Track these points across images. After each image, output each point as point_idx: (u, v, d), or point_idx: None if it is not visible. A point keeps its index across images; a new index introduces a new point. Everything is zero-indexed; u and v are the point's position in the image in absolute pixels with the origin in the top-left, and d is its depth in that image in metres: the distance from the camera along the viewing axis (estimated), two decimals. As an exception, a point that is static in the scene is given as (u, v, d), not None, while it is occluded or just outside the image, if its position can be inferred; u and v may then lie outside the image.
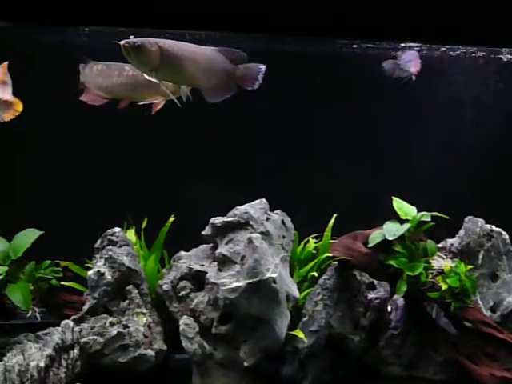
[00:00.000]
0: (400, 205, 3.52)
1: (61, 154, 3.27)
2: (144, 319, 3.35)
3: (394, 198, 3.55)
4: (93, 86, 3.35)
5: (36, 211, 3.69)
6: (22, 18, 2.77)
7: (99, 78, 3.36)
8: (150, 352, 3.31)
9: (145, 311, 3.37)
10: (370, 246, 3.45)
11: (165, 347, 3.37)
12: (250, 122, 3.49)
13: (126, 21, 2.94)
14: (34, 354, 3.17)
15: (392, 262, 3.39)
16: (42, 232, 3.32)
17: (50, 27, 3.28)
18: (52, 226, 3.38)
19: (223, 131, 3.51)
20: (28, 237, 3.30)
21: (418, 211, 3.48)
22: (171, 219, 3.54)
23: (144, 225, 3.59)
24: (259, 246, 3.24)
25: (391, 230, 3.42)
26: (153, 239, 3.61)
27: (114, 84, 3.34)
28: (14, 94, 3.14)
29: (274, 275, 3.20)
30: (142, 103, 3.27)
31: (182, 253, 3.50)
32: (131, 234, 3.55)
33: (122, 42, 2.93)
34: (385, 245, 3.43)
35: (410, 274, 3.35)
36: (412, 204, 3.53)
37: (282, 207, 3.52)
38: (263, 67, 3.09)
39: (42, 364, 3.13)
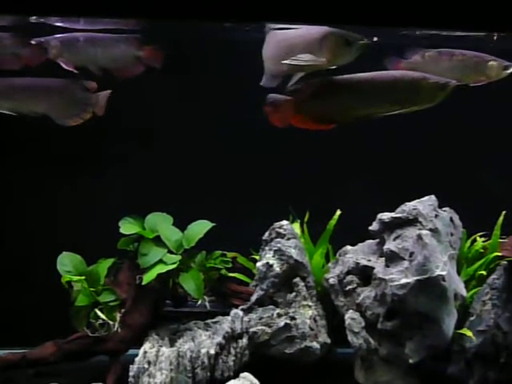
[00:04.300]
0: None
1: (230, 147, 3.34)
2: (310, 312, 3.38)
3: None
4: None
5: (207, 203, 3.79)
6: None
7: (432, 64, 3.46)
8: (316, 345, 3.33)
9: (311, 304, 3.40)
10: (541, 246, 3.36)
11: (329, 340, 3.39)
12: (419, 118, 3.45)
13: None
14: (204, 341, 3.27)
15: None
16: (213, 224, 3.42)
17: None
18: (219, 217, 3.47)
19: (393, 126, 3.48)
20: (201, 228, 3.41)
21: None
22: (338, 213, 3.56)
23: (306, 218, 3.61)
24: (428, 242, 3.21)
25: None
26: (314, 233, 3.65)
27: (445, 69, 3.44)
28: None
29: (443, 273, 3.16)
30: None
31: (348, 247, 3.51)
32: (296, 228, 3.58)
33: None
34: (557, 246, 3.34)
35: None
36: None
37: (450, 204, 3.48)
38: None
39: (212, 351, 3.22)
